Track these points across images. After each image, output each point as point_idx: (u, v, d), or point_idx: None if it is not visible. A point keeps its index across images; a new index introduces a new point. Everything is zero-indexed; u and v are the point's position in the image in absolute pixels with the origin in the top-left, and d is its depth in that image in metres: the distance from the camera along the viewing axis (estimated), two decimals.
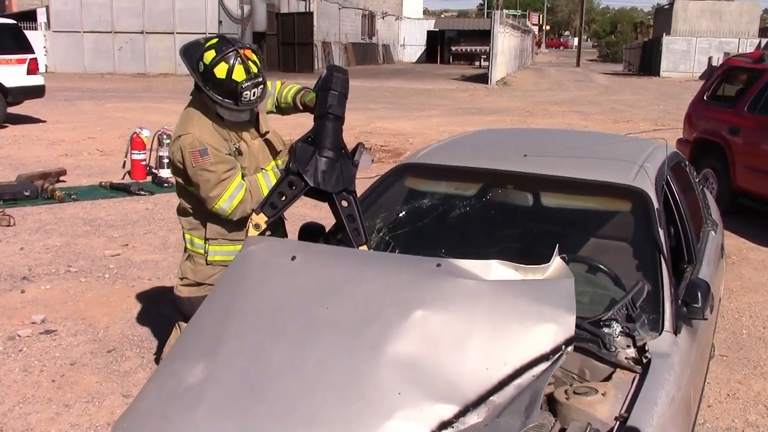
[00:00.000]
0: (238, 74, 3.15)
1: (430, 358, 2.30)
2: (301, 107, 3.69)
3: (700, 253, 3.76)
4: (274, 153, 3.60)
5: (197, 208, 3.46)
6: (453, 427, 2.17)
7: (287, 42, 34.05)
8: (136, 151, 9.71)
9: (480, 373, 2.27)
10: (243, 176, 3.36)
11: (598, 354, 2.64)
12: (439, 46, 52.31)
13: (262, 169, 3.48)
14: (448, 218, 3.44)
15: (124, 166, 9.91)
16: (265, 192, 3.32)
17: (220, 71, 3.15)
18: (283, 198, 3.19)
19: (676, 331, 2.81)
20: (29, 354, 4.42)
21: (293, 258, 2.77)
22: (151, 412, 2.39)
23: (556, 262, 2.72)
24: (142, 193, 8.88)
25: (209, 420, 2.27)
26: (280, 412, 2.24)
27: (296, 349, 2.42)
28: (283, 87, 3.74)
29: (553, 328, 2.36)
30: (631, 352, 2.68)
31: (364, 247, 3.16)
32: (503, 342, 2.35)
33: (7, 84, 14.02)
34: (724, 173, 8.30)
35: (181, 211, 3.57)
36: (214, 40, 3.26)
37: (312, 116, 3.42)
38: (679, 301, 2.91)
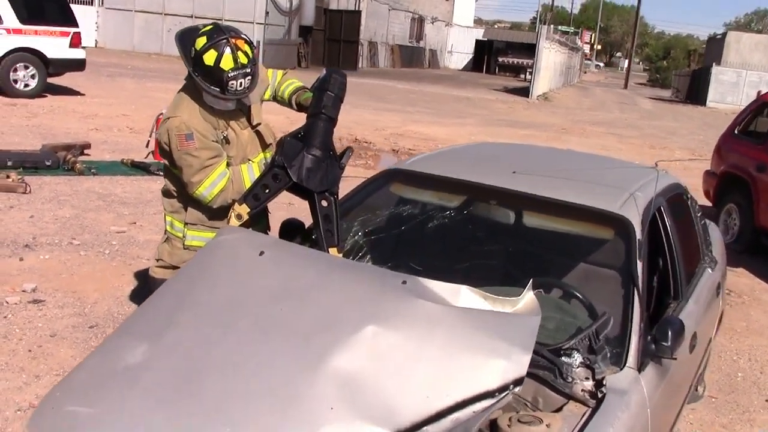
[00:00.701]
0: (226, 63, 3.14)
1: (372, 378, 2.25)
2: (295, 107, 3.68)
3: (689, 290, 3.65)
4: (264, 145, 3.58)
5: (180, 191, 3.46)
6: None
7: (333, 38, 34.15)
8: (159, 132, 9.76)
9: (419, 401, 2.21)
10: (228, 165, 3.34)
11: (551, 383, 2.56)
12: (486, 56, 52.10)
13: (249, 160, 3.47)
14: (427, 229, 3.39)
15: (147, 145, 9.96)
16: (247, 183, 3.31)
17: (209, 58, 3.14)
18: (267, 190, 3.16)
19: (639, 368, 2.72)
20: (12, 321, 4.46)
21: (261, 253, 2.74)
22: (84, 387, 2.37)
23: (528, 296, 2.65)
24: (161, 173, 8.91)
25: (139, 405, 2.24)
26: (209, 410, 2.20)
27: (241, 347, 2.38)
28: (284, 80, 3.73)
29: (503, 366, 2.29)
30: (589, 384, 2.60)
31: (334, 250, 3.12)
32: (450, 372, 2.29)
33: (49, 55, 14.23)
34: (748, 210, 8.10)
35: (166, 193, 3.56)
36: (208, 27, 3.25)
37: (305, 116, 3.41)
38: (648, 338, 2.82)
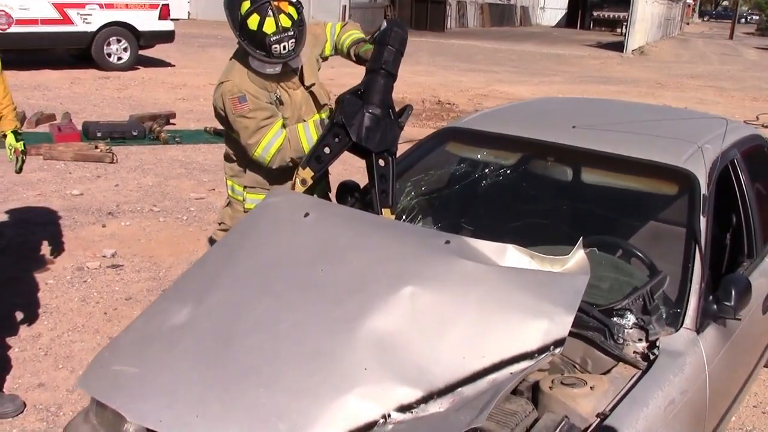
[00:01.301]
0: (269, 26, 3.12)
1: (407, 338, 2.21)
2: (354, 58, 3.63)
3: (766, 248, 3.44)
4: (319, 106, 3.56)
5: (240, 155, 3.49)
6: (412, 413, 2.08)
7: None
8: None
9: (455, 362, 2.16)
10: (284, 126, 3.35)
11: (600, 345, 2.46)
12: (581, 11, 50.36)
13: (304, 120, 3.46)
14: (481, 188, 3.31)
15: None
16: (304, 142, 3.30)
17: (252, 22, 3.14)
18: (329, 151, 3.11)
19: (698, 329, 2.58)
20: (91, 285, 4.65)
21: (306, 215, 2.74)
22: (131, 346, 2.44)
23: (578, 254, 2.54)
24: None
25: (179, 366, 2.28)
26: (243, 370, 2.21)
27: (277, 308, 2.39)
28: (343, 31, 3.66)
29: (544, 326, 2.22)
30: (641, 346, 2.50)
31: (388, 211, 3.07)
32: (488, 332, 2.22)
33: (140, 28, 14.63)
34: None
35: (226, 157, 3.61)
36: None
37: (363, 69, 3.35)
38: (711, 298, 2.67)
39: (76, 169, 7.39)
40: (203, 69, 15.73)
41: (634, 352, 2.48)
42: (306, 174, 3.08)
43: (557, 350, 2.21)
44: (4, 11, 12.80)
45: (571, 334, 2.47)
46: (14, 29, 12.99)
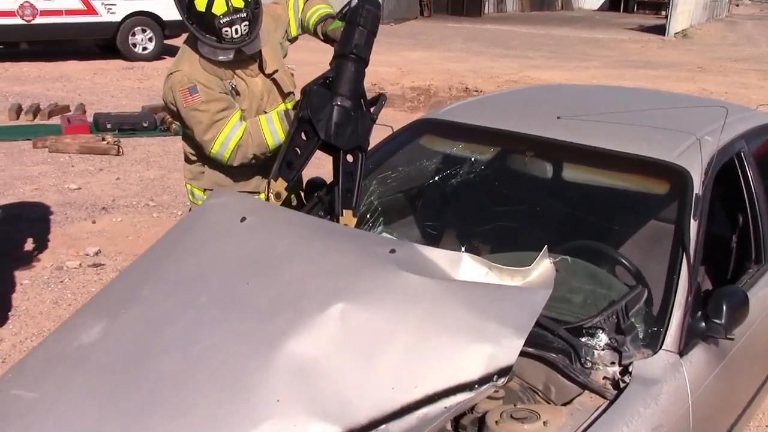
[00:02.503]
0: (218, 7, 2.84)
1: (332, 365, 1.93)
2: (321, 37, 3.31)
3: None
4: (283, 95, 3.27)
5: (199, 154, 3.22)
6: None
7: None
8: None
9: (382, 393, 1.87)
10: (242, 118, 3.05)
11: (563, 369, 2.14)
12: None
13: (265, 112, 3.17)
14: (452, 186, 3.00)
15: None
16: (267, 136, 3.02)
17: (200, 3, 2.86)
18: (299, 153, 2.80)
19: (681, 351, 2.25)
20: (67, 286, 4.46)
21: (243, 220, 2.47)
22: (35, 369, 2.20)
23: (542, 265, 2.24)
24: None
25: (79, 392, 2.03)
26: (148, 398, 1.96)
27: (195, 326, 2.12)
28: (308, 7, 3.33)
29: (489, 352, 1.92)
30: (613, 371, 2.17)
31: (350, 213, 2.77)
32: (424, 359, 1.93)
33: (165, 17, 14.48)
34: None
35: (186, 158, 3.34)
36: None
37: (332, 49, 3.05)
38: (699, 314, 2.33)
39: (80, 162, 7.24)
40: None
41: (605, 377, 2.16)
42: (279, 186, 2.78)
43: (501, 380, 1.90)
44: (29, 2, 12.76)
45: (532, 356, 2.18)
46: (39, 20, 12.95)
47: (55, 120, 8.81)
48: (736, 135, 2.96)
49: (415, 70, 14.88)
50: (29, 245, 5.09)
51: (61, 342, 2.25)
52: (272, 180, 2.76)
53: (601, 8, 50.26)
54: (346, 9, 3.02)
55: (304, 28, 3.36)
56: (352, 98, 2.79)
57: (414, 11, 28.33)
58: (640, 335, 2.24)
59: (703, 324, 2.30)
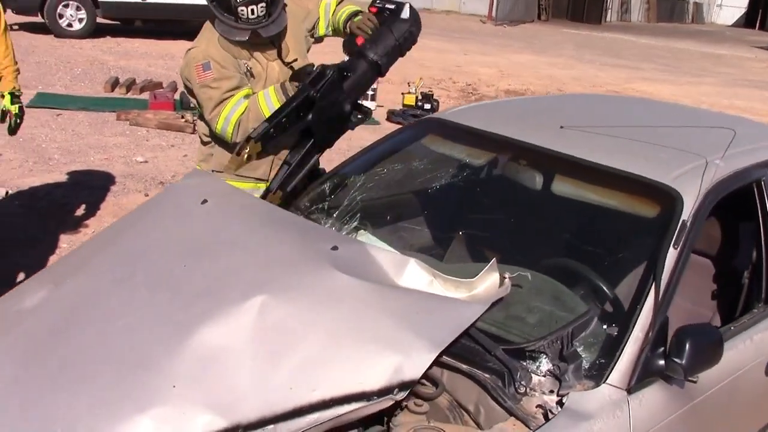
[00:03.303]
0: None
1: (238, 357, 1.91)
2: (347, 31, 3.28)
3: None
4: None
5: (211, 135, 3.24)
6: None
7: None
8: None
9: (279, 392, 1.83)
10: (247, 97, 3.04)
11: (491, 392, 2.01)
12: (762, 9, 46.50)
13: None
14: (440, 188, 2.88)
15: None
16: (265, 110, 2.99)
17: None
18: (286, 127, 2.79)
19: (630, 388, 2.07)
20: None
21: (203, 202, 2.46)
22: None
23: (489, 279, 2.12)
24: None
25: (2, 355, 2.07)
26: (59, 369, 1.98)
27: (124, 303, 2.13)
28: (339, 8, 3.32)
29: (396, 363, 1.84)
30: (550, 400, 2.03)
31: (278, 194, 2.81)
32: (330, 362, 1.88)
33: None
34: None
35: (200, 140, 3.37)
36: None
37: None
38: (661, 349, 2.14)
39: (156, 136, 7.48)
40: (322, 46, 15.71)
41: (538, 405, 2.01)
42: (253, 149, 2.74)
43: (400, 394, 1.81)
44: None
45: (464, 374, 2.07)
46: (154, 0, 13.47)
47: (145, 95, 9.14)
48: (756, 162, 2.71)
49: (516, 74, 14.60)
50: (80, 211, 5.29)
51: (5, 304, 2.31)
52: (252, 140, 2.72)
53: (736, 23, 47.87)
54: (388, 5, 3.00)
55: (335, 30, 3.33)
56: (351, 103, 2.83)
57: (531, 14, 27.81)
58: (585, 365, 2.08)
59: (662, 362, 2.11)
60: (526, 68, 15.53)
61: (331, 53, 3.66)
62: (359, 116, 2.91)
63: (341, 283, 2.02)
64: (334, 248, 2.17)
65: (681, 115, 3.55)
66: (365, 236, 2.68)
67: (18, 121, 3.90)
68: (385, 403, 1.80)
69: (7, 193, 5.56)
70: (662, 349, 2.13)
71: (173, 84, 9.61)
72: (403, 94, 9.67)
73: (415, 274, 2.14)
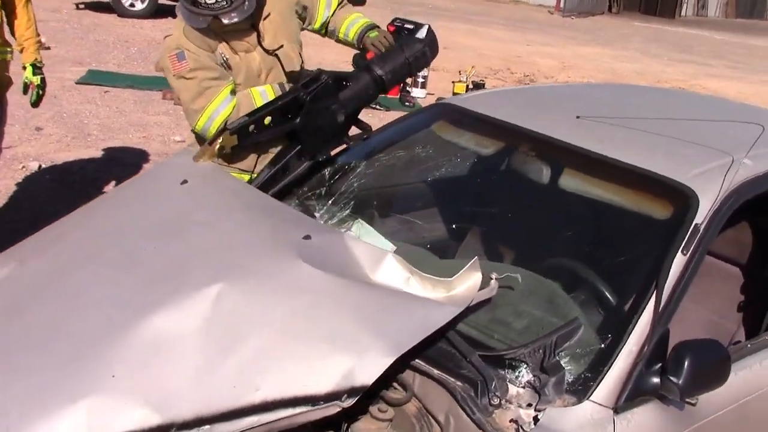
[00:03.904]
0: None
1: (187, 348, 1.79)
2: (355, 44, 3.09)
3: None
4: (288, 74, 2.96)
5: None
6: None
7: None
8: None
9: (222, 390, 1.70)
10: (233, 92, 2.84)
11: (460, 402, 1.84)
12: None
13: None
14: (441, 179, 2.70)
15: None
16: None
17: None
18: (268, 122, 2.59)
19: (617, 407, 1.86)
20: None
21: (183, 182, 2.34)
22: None
23: (470, 279, 1.95)
24: (377, 107, 8.75)
25: None
26: (11, 346, 1.89)
27: (88, 281, 2.03)
28: (344, 13, 3.11)
29: (348, 366, 1.70)
30: (526, 414, 1.84)
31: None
32: (279, 360, 1.75)
33: None
34: None
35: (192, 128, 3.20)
36: None
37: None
38: (657, 366, 1.92)
39: None
40: None
41: (512, 420, 1.83)
42: (229, 142, 2.55)
43: (348, 401, 1.66)
44: None
45: (435, 380, 1.90)
46: None
47: None
48: None
49: (577, 66, 14.19)
50: (110, 187, 5.27)
51: None
52: (228, 132, 2.54)
53: None
54: (407, 25, 2.88)
55: (327, 30, 3.14)
56: (346, 114, 2.67)
57: (602, 6, 27.06)
58: (569, 378, 1.88)
59: (657, 380, 1.90)
60: (589, 61, 15.08)
61: None
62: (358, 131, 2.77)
63: (304, 274, 1.88)
64: (307, 237, 2.03)
65: (717, 108, 3.27)
66: (360, 226, 2.53)
67: (40, 92, 3.87)
68: (330, 410, 1.65)
69: (39, 166, 5.58)
70: (659, 365, 1.92)
71: None
72: (453, 82, 9.44)
73: (391, 270, 1.98)
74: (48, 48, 9.53)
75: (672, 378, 1.86)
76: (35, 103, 3.89)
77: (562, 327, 1.92)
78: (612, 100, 3.07)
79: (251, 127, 2.54)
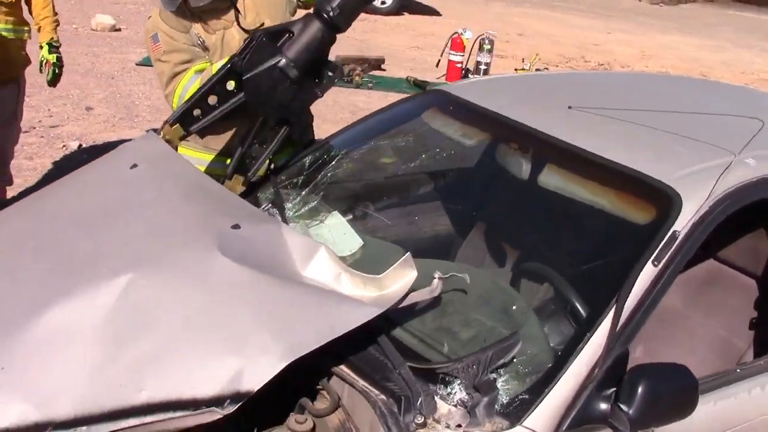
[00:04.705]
0: None
1: (83, 341, 1.69)
2: None
3: None
4: None
5: None
6: None
7: None
8: (454, 53, 9.31)
9: (110, 389, 1.60)
10: (200, 72, 2.71)
11: (379, 417, 1.67)
12: None
13: None
14: (424, 171, 2.52)
15: (437, 65, 9.62)
16: None
17: None
18: (214, 102, 2.39)
19: None
20: None
21: (133, 166, 2.24)
22: None
23: (404, 277, 1.78)
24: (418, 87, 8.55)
25: None
26: None
27: (8, 266, 1.94)
28: None
29: (236, 369, 1.57)
30: None
31: (239, 180, 2.44)
32: (169, 359, 1.62)
33: None
34: None
35: None
36: None
37: None
38: (608, 391, 1.70)
39: None
40: (467, 21, 15.22)
41: None
42: (172, 133, 2.39)
43: (229, 408, 1.52)
44: None
45: (359, 391, 1.74)
46: None
47: None
48: None
49: (658, 56, 13.57)
50: None
51: None
52: (168, 123, 2.39)
53: None
54: None
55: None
56: (300, 67, 2.33)
57: None
58: (504, 399, 1.69)
59: (607, 406, 1.68)
60: (671, 50, 14.41)
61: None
62: (329, 76, 2.48)
63: (218, 267, 1.75)
64: (236, 227, 1.90)
65: (733, 99, 2.95)
66: (333, 218, 2.39)
67: (57, 71, 3.87)
68: (208, 416, 1.51)
69: (79, 146, 5.65)
70: (613, 390, 1.70)
71: None
72: (516, 70, 9.14)
73: (322, 265, 1.83)
74: (119, 30, 9.74)
75: (622, 406, 1.64)
76: (51, 82, 3.90)
77: (500, 341, 1.72)
78: (615, 89, 2.80)
79: (195, 112, 2.38)
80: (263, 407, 1.79)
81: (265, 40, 2.34)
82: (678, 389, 1.68)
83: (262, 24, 2.77)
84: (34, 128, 5.90)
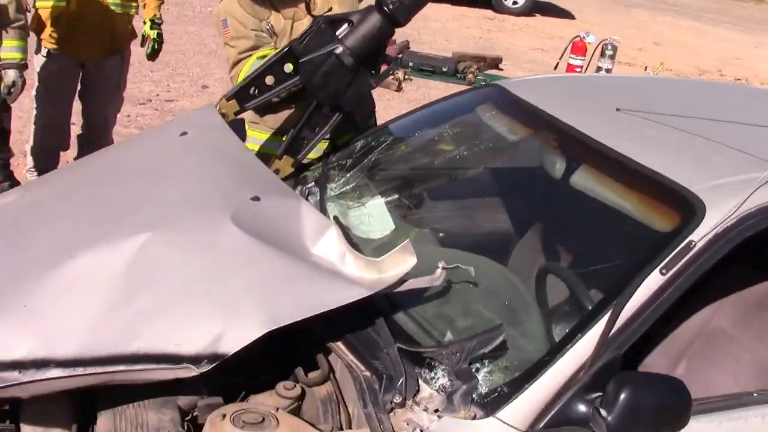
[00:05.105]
0: None
1: (95, 290, 1.83)
2: None
3: None
4: None
5: None
6: (22, 372, 1.68)
7: None
8: (574, 56, 9.12)
9: (108, 335, 1.73)
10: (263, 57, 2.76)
11: (360, 393, 1.71)
12: None
13: None
14: (468, 164, 2.52)
15: (555, 68, 9.45)
16: None
17: None
18: (271, 82, 2.47)
19: (530, 430, 1.64)
20: None
21: (183, 134, 2.37)
22: None
23: (403, 262, 1.83)
24: None
25: None
26: None
27: (46, 218, 2.14)
28: None
29: (218, 331, 1.67)
30: (428, 419, 1.68)
31: (289, 161, 2.52)
32: (166, 315, 1.75)
33: None
34: None
35: None
36: None
37: None
38: (592, 396, 1.67)
39: None
40: (604, 25, 14.83)
41: (409, 422, 1.67)
42: (228, 107, 2.48)
43: (206, 367, 1.61)
44: None
45: (346, 366, 1.79)
46: None
47: None
48: None
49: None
50: None
51: None
52: (224, 98, 2.49)
53: None
54: None
55: None
56: (357, 56, 2.37)
57: None
58: (483, 389, 1.68)
59: (588, 409, 1.64)
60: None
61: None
62: (384, 69, 2.52)
63: (227, 234, 1.84)
64: (255, 198, 1.98)
65: None
66: (375, 200, 2.45)
67: (156, 46, 4.11)
68: (184, 372, 1.60)
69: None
70: (598, 395, 1.66)
71: (405, 42, 9.64)
72: None
73: (330, 244, 1.89)
74: None
75: (602, 411, 1.60)
76: (150, 56, 4.13)
77: (483, 332, 1.72)
78: (676, 94, 2.68)
79: (252, 90, 2.47)
80: (265, 373, 1.87)
81: (325, 27, 2.41)
82: (665, 403, 1.61)
83: (330, 9, 2.83)
84: (151, 101, 6.28)
